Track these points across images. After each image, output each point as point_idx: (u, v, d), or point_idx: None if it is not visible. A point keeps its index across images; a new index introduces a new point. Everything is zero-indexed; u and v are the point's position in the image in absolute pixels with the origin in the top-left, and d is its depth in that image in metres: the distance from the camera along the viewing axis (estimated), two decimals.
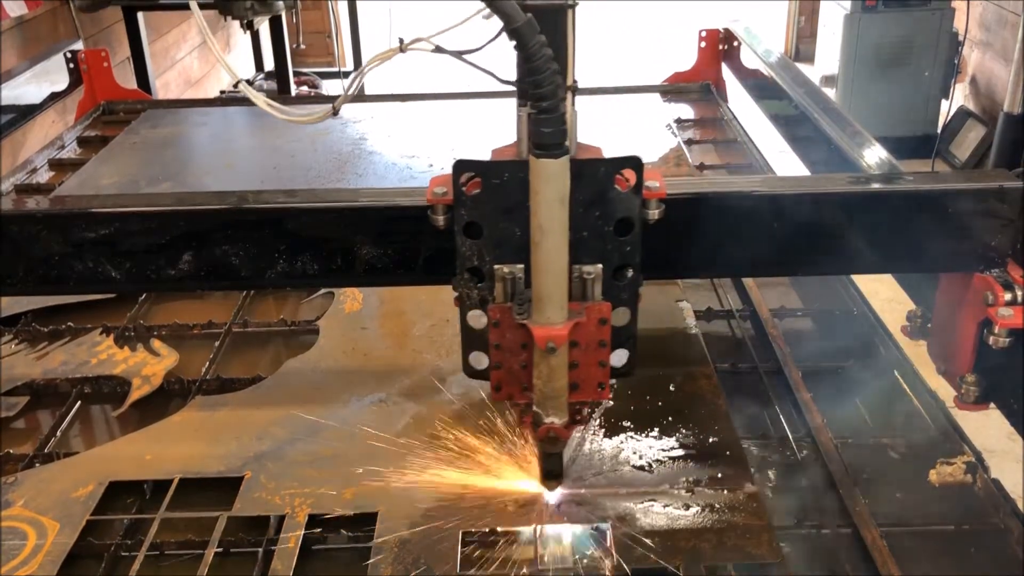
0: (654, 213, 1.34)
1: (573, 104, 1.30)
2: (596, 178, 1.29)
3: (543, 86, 1.16)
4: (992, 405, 1.57)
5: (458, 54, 1.26)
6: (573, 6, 1.24)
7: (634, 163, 1.29)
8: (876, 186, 1.60)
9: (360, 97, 3.50)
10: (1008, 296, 1.42)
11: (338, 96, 1.45)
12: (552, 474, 1.55)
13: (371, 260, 1.53)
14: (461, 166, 1.29)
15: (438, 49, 1.30)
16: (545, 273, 1.28)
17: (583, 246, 1.32)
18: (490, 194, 1.30)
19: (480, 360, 1.43)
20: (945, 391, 1.90)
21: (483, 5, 1.14)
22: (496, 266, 1.34)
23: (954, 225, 1.48)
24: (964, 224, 1.48)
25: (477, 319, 1.40)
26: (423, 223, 1.38)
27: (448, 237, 1.36)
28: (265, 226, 1.53)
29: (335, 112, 1.43)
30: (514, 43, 1.16)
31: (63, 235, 1.50)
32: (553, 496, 1.58)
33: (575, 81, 1.31)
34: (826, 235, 1.53)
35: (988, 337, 1.44)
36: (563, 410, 1.39)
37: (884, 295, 2.20)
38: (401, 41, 1.33)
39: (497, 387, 1.41)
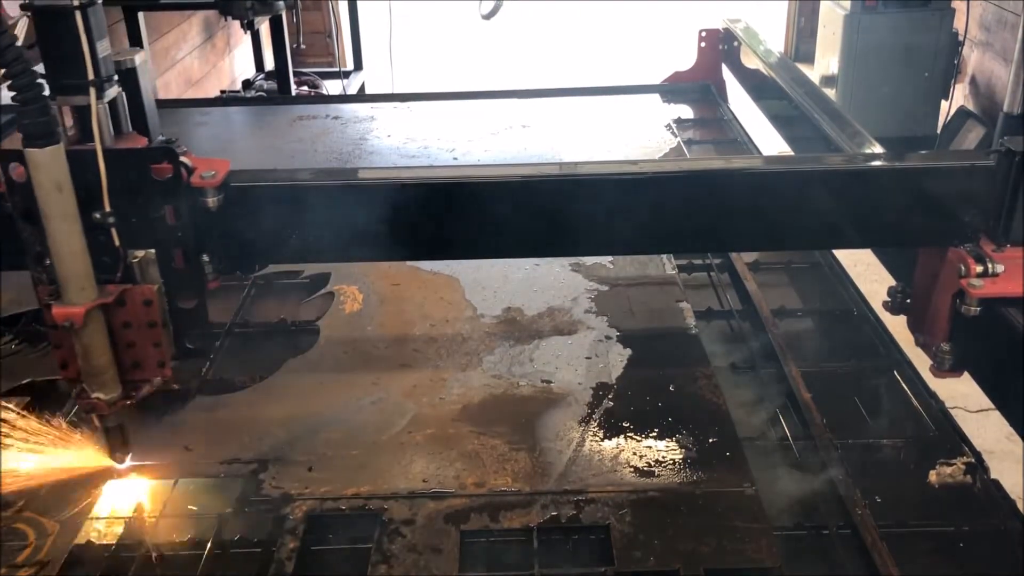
0: (212, 201, 1.43)
1: (100, 99, 1.36)
2: (130, 167, 1.36)
3: (18, 79, 1.23)
4: (980, 397, 1.58)
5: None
6: (81, 8, 1.30)
7: (167, 153, 1.37)
8: (854, 164, 1.67)
9: (361, 97, 3.49)
10: (980, 268, 1.50)
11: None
12: (115, 448, 1.58)
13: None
14: (5, 155, 1.34)
15: None
16: (58, 256, 1.34)
17: (133, 231, 1.40)
18: None
19: None
20: (945, 392, 1.90)
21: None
22: None
23: (930, 201, 1.55)
24: (939, 200, 1.55)
25: None
26: None
27: None
28: None
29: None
30: None
31: None
32: (123, 469, 1.64)
33: (108, 76, 1.38)
34: (807, 211, 1.59)
35: (961, 307, 1.52)
36: (109, 387, 1.46)
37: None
38: None
39: (63, 365, 1.47)
